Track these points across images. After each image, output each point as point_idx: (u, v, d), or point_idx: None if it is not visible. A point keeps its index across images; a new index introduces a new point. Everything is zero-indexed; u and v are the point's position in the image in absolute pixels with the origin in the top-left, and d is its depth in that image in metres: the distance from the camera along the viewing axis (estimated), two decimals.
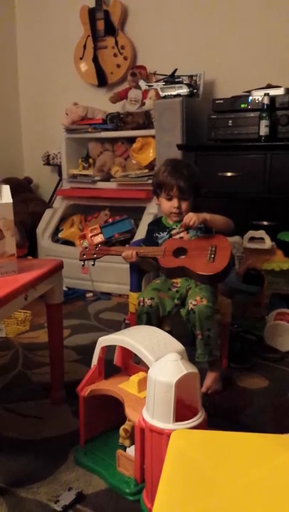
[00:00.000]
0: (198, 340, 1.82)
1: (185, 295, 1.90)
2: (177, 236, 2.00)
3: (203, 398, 1.39)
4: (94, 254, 2.02)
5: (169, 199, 1.98)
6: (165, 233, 2.04)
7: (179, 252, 1.95)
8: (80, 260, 2.03)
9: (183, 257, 1.94)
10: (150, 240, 2.08)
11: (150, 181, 2.66)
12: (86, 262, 2.05)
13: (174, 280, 1.97)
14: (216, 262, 1.87)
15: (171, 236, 2.02)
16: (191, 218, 1.87)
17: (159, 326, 1.83)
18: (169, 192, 1.96)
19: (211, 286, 1.89)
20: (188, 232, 1.99)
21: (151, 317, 1.87)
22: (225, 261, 1.87)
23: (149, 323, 1.85)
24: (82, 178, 3.50)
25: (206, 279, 1.87)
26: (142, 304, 1.87)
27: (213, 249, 1.91)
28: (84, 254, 2.03)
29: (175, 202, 1.97)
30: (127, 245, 2.40)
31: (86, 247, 2.05)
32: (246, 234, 2.47)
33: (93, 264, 2.05)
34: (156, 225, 2.09)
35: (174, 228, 2.02)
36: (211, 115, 2.80)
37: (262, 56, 3.08)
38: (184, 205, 1.97)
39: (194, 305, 1.80)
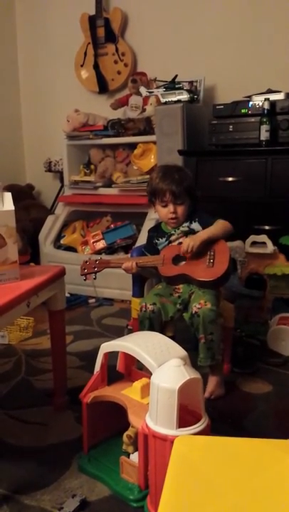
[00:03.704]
0: (201, 343, 1.82)
1: (187, 300, 1.90)
2: (176, 242, 2.00)
3: (207, 403, 1.38)
4: (94, 268, 2.03)
5: (164, 205, 1.98)
6: (164, 239, 2.04)
7: (178, 258, 1.95)
8: (82, 275, 2.04)
9: (182, 263, 1.94)
10: (151, 246, 2.08)
11: None
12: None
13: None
14: (216, 267, 1.87)
15: (170, 242, 2.02)
16: (188, 245, 1.86)
17: (162, 331, 1.83)
18: (162, 198, 1.96)
19: (214, 290, 1.89)
20: (186, 237, 1.99)
21: (154, 322, 1.87)
22: (224, 264, 1.87)
23: (151, 328, 1.85)
24: (84, 185, 3.51)
25: (207, 285, 1.87)
26: (143, 309, 1.88)
27: (212, 253, 1.90)
28: (85, 269, 2.04)
29: (170, 207, 1.96)
30: (128, 255, 2.40)
31: (86, 262, 2.06)
32: (248, 238, 2.47)
33: (94, 278, 2.06)
34: (156, 231, 2.10)
35: (173, 234, 2.02)
36: (212, 120, 2.81)
37: (262, 61, 3.09)
38: (180, 210, 1.97)
39: (199, 308, 1.80)
